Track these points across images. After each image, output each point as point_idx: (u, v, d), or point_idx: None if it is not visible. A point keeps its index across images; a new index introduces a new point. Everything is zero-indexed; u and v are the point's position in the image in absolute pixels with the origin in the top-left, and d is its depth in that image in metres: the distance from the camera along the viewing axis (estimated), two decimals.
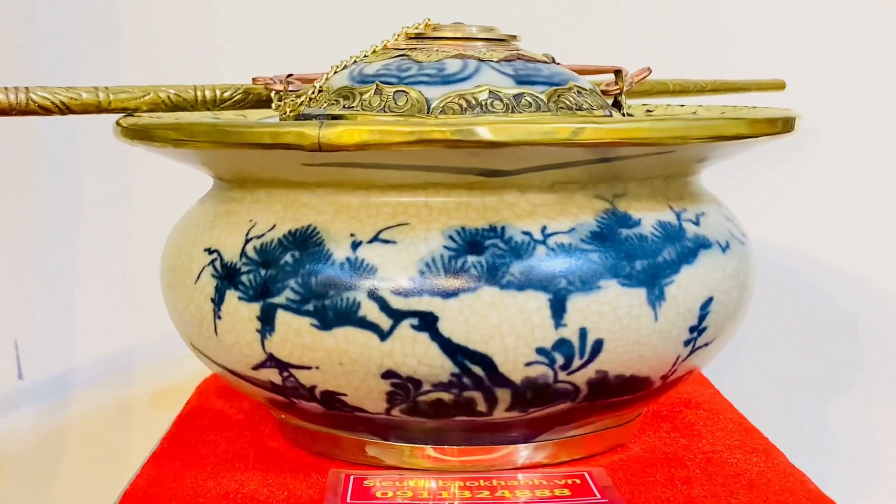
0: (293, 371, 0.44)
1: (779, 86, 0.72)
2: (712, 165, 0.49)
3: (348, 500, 0.43)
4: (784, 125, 0.45)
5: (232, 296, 0.44)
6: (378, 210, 0.43)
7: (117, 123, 0.47)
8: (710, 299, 0.45)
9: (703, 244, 0.46)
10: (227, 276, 0.45)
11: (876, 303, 0.80)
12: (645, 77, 0.53)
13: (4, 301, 0.79)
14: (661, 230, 0.45)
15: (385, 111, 0.47)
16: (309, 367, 0.44)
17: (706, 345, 0.46)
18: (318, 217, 0.44)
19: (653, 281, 0.43)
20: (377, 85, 0.47)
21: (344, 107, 0.48)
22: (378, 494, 0.44)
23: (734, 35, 0.79)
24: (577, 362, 0.43)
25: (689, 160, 0.46)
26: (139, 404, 0.83)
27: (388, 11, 0.76)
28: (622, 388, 0.45)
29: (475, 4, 0.74)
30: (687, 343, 0.45)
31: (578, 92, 0.49)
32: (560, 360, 0.43)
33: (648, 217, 0.45)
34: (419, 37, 0.51)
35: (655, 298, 0.43)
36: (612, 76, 0.54)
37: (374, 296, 0.42)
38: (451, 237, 0.42)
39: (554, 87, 0.48)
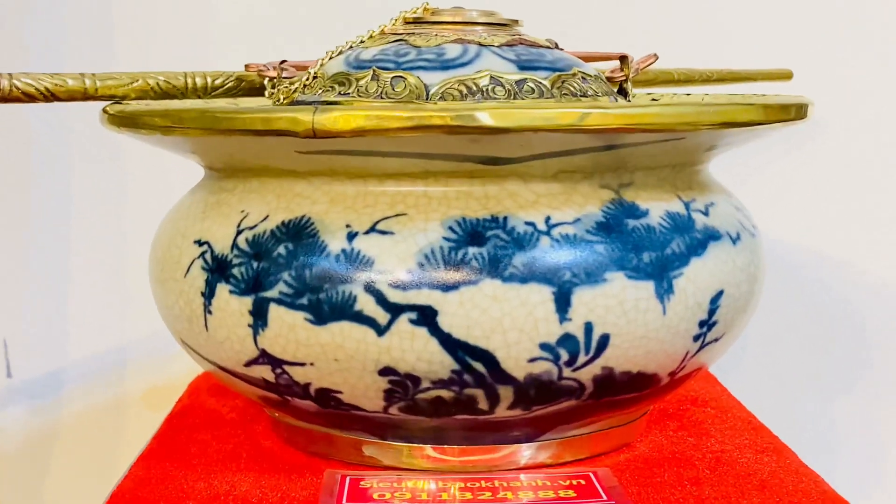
0: (286, 368, 0.42)
1: (786, 75, 0.71)
2: (720, 155, 0.47)
3: (344, 501, 0.41)
4: (797, 112, 0.44)
5: (223, 289, 0.43)
6: (375, 200, 0.42)
7: (104, 111, 0.46)
8: (721, 293, 0.44)
9: (712, 235, 0.44)
10: (217, 269, 0.43)
11: (884, 298, 0.78)
12: (651, 63, 0.52)
13: None
14: (670, 221, 0.43)
15: (382, 97, 0.45)
16: (303, 364, 0.42)
17: (716, 340, 0.45)
18: (312, 207, 0.42)
19: (661, 273, 0.42)
20: (374, 70, 0.46)
21: (339, 93, 0.46)
22: (375, 496, 0.42)
23: (740, 23, 0.77)
24: (582, 358, 0.41)
25: (698, 148, 0.44)
26: (132, 402, 0.81)
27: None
28: (629, 385, 0.43)
29: None
30: (696, 338, 0.44)
31: (583, 78, 0.47)
32: (564, 355, 0.41)
33: (656, 207, 0.43)
34: (417, 21, 0.49)
35: (664, 292, 0.42)
36: (616, 63, 0.52)
37: (370, 289, 0.40)
38: (450, 228, 0.41)
39: (557, 73, 0.46)
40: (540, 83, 0.45)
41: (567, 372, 0.41)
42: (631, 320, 0.41)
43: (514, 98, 0.45)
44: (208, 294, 0.43)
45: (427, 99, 0.44)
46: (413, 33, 0.48)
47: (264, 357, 0.43)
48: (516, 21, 0.50)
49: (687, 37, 0.77)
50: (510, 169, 0.41)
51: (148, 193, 0.77)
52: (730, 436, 0.50)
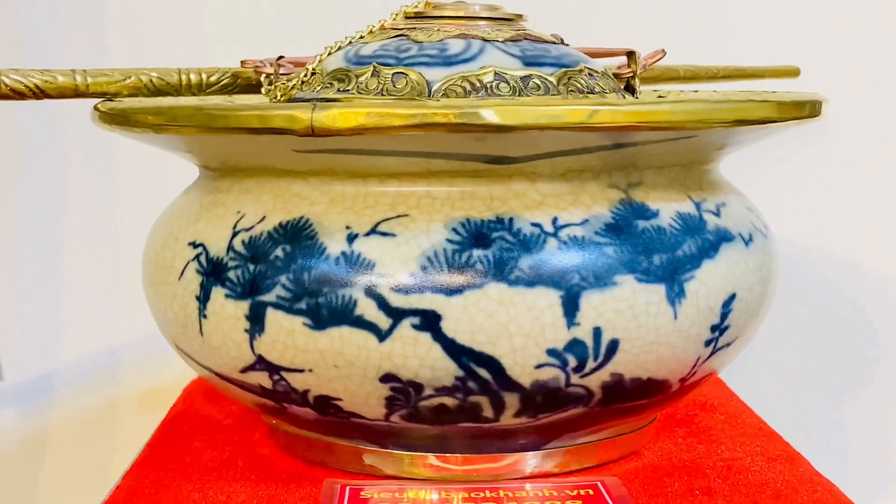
0: (284, 374, 0.41)
1: (793, 72, 0.69)
2: (730, 154, 0.46)
3: None
4: (811, 109, 0.42)
5: (218, 293, 0.41)
6: (376, 200, 0.40)
7: (95, 108, 0.44)
8: (733, 296, 0.42)
9: (724, 237, 0.42)
10: (213, 272, 0.41)
11: (892, 298, 0.77)
12: (659, 59, 0.50)
13: None
14: (681, 222, 0.41)
15: (383, 94, 0.43)
16: (301, 370, 0.40)
17: (728, 345, 0.43)
18: (310, 208, 0.41)
19: (672, 276, 0.40)
20: (374, 67, 0.44)
21: (339, 90, 0.44)
22: None
23: (747, 19, 0.76)
24: (590, 364, 0.40)
25: (709, 146, 0.43)
26: (126, 405, 0.80)
27: None
28: (638, 391, 0.42)
29: None
30: (708, 343, 0.42)
31: (590, 74, 0.46)
32: (573, 361, 0.39)
33: (667, 208, 0.42)
34: (419, 16, 0.48)
35: (675, 295, 0.40)
36: (623, 59, 0.51)
37: (371, 293, 0.39)
38: (454, 230, 0.39)
39: (563, 69, 0.45)
40: (546, 79, 0.44)
41: (575, 378, 0.40)
42: (641, 325, 0.40)
43: (519, 95, 0.43)
44: (203, 298, 0.42)
45: (429, 96, 0.43)
46: (414, 28, 0.46)
47: (261, 363, 0.41)
48: (520, 16, 0.48)
49: (693, 33, 0.75)
50: (516, 168, 0.40)
51: (142, 192, 0.76)
52: (740, 443, 0.48)
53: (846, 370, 0.77)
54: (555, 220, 0.40)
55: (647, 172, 0.42)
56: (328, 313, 0.39)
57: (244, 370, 0.42)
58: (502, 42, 0.45)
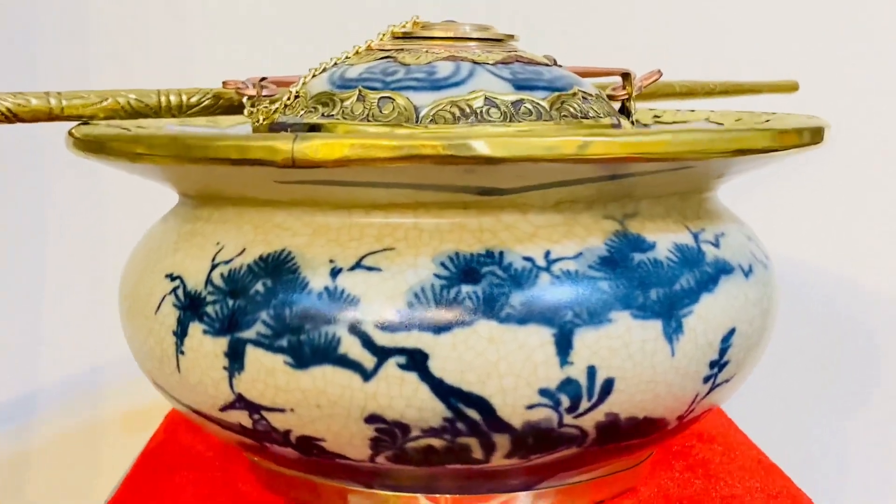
0: (265, 414, 0.39)
1: (791, 87, 0.68)
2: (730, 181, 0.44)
3: None
4: (813, 136, 0.41)
5: (196, 329, 0.39)
6: (361, 232, 0.38)
7: (70, 133, 0.42)
8: (733, 331, 0.40)
9: (723, 269, 0.41)
10: (190, 307, 0.40)
11: (892, 315, 0.75)
12: (655, 81, 0.49)
13: None
14: (678, 254, 0.40)
15: (369, 120, 0.42)
16: (283, 410, 0.39)
17: (727, 380, 0.42)
18: (292, 240, 0.39)
19: (669, 312, 0.39)
20: (360, 90, 0.43)
21: (323, 115, 0.43)
22: None
23: (744, 34, 0.74)
24: (584, 404, 0.38)
25: (708, 175, 0.41)
26: (108, 426, 0.78)
27: (373, 8, 0.71)
28: (634, 430, 0.40)
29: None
30: (707, 379, 0.41)
31: (583, 98, 0.44)
32: (566, 401, 0.38)
33: (663, 239, 0.40)
34: (407, 36, 0.46)
35: (672, 331, 0.39)
36: (618, 79, 0.49)
37: (355, 331, 0.37)
38: (442, 264, 0.37)
39: (556, 93, 0.43)
40: (538, 104, 0.42)
41: (568, 419, 0.38)
42: (637, 363, 0.38)
43: (511, 121, 0.41)
44: (180, 333, 0.40)
45: (417, 122, 0.41)
46: (402, 49, 0.45)
47: (241, 402, 0.39)
48: (512, 36, 0.47)
49: (689, 47, 0.74)
50: (507, 199, 0.38)
51: (125, 210, 0.74)
52: (739, 477, 0.47)
53: (847, 391, 0.76)
54: (547, 254, 0.38)
55: (643, 202, 0.40)
56: (310, 351, 0.37)
57: (223, 408, 0.40)
58: (493, 65, 0.43)
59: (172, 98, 0.47)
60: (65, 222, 0.75)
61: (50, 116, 0.44)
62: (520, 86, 0.43)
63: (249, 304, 0.38)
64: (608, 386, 0.38)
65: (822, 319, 0.76)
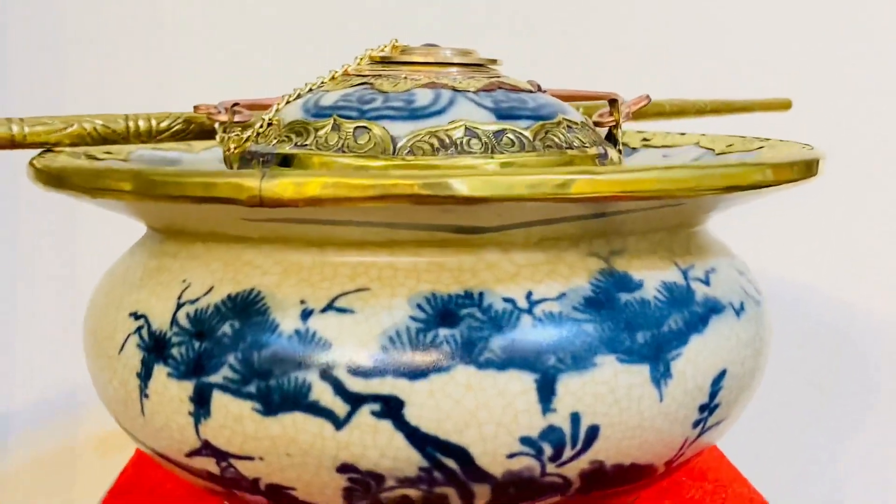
0: (233, 461, 0.37)
1: (784, 105, 0.66)
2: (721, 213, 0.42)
3: None
4: (808, 169, 0.39)
5: (161, 371, 0.38)
6: (334, 272, 0.37)
7: (30, 164, 0.40)
8: (723, 373, 0.39)
9: (714, 308, 0.39)
10: (155, 348, 0.38)
11: (888, 338, 0.74)
12: (643, 106, 0.47)
13: None
14: (667, 293, 0.38)
15: (344, 151, 0.40)
16: (251, 458, 0.37)
17: (718, 423, 0.40)
18: (262, 279, 0.37)
19: (657, 355, 0.37)
20: (335, 119, 0.41)
21: (296, 144, 0.41)
22: None
23: (735, 50, 0.73)
24: (568, 452, 0.36)
25: (698, 210, 0.40)
26: (85, 448, 0.76)
27: (352, 29, 0.69)
28: (620, 478, 0.38)
29: (447, 21, 0.67)
30: (696, 424, 0.39)
31: (568, 127, 0.42)
32: (548, 450, 0.36)
33: (651, 278, 0.38)
34: (385, 61, 0.44)
35: (660, 376, 0.37)
36: (605, 103, 0.47)
37: (327, 376, 0.35)
38: (419, 306, 0.36)
39: (540, 122, 0.41)
40: (521, 134, 0.41)
41: (551, 468, 0.36)
42: (623, 409, 0.36)
43: (492, 152, 0.40)
44: (144, 376, 0.38)
45: (394, 153, 0.39)
46: (380, 75, 0.43)
47: (207, 448, 0.38)
48: (495, 61, 0.45)
49: (679, 64, 0.72)
50: (487, 237, 0.36)
51: (101, 228, 0.72)
52: None
53: (840, 416, 0.74)
54: (529, 295, 0.36)
55: (630, 238, 0.39)
56: (280, 398, 0.36)
57: (189, 454, 0.38)
58: (474, 92, 0.42)
59: (141, 123, 0.45)
60: (39, 242, 0.73)
61: (13, 144, 0.42)
62: (502, 115, 0.41)
63: (216, 347, 0.36)
64: (593, 433, 0.36)
65: (816, 341, 0.74)
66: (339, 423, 0.35)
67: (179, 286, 0.38)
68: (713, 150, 0.49)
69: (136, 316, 0.39)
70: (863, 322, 0.74)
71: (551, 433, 0.36)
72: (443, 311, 0.36)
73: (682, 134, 0.53)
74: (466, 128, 0.40)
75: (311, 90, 0.43)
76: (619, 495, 0.40)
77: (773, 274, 0.72)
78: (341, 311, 0.36)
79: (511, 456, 0.36)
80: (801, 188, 0.70)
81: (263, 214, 0.34)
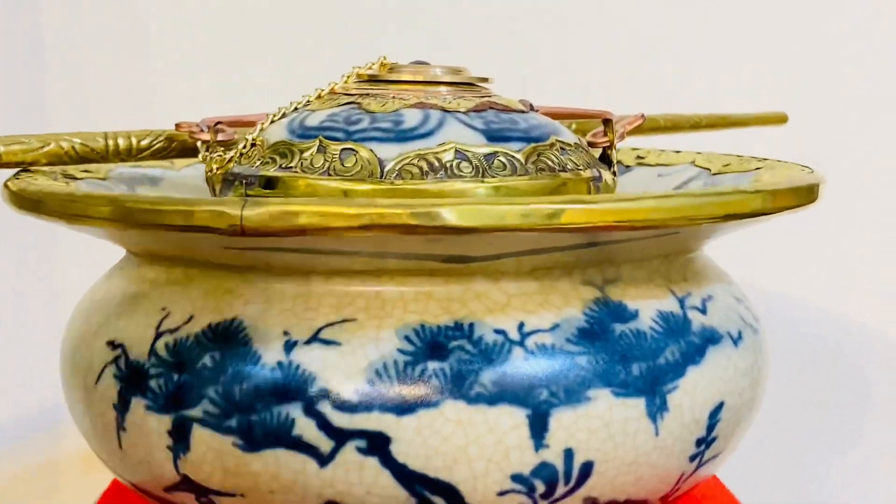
0: (213, 497, 0.36)
1: (780, 119, 0.65)
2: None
3: None
4: (808, 195, 0.38)
5: (138, 404, 0.36)
6: (318, 301, 0.35)
7: (4, 185, 0.39)
8: (721, 405, 0.38)
9: (711, 338, 0.38)
10: (132, 379, 0.37)
11: (886, 357, 0.73)
12: (638, 125, 0.46)
13: None
14: (663, 323, 0.37)
15: (330, 174, 0.38)
16: (233, 494, 0.36)
17: (715, 457, 0.39)
18: (244, 308, 0.36)
19: (653, 388, 0.36)
20: (320, 141, 0.39)
21: (280, 167, 0.40)
22: None
23: (730, 65, 0.72)
24: (561, 489, 0.35)
25: (694, 237, 0.38)
26: (68, 465, 0.75)
27: (338, 46, 0.68)
28: None
29: (437, 38, 0.66)
30: (693, 458, 0.38)
31: (561, 149, 0.41)
32: (541, 487, 0.35)
33: (647, 307, 0.37)
34: (373, 79, 0.43)
35: (656, 409, 0.36)
36: (597, 119, 0.46)
37: (311, 411, 0.34)
38: (407, 337, 0.34)
39: (532, 144, 0.40)
40: (512, 157, 0.39)
41: None
42: (618, 444, 0.35)
43: (483, 176, 0.38)
44: (121, 408, 0.37)
45: (382, 176, 0.38)
46: (367, 94, 0.42)
47: (187, 483, 0.36)
48: (486, 79, 0.44)
49: (673, 79, 0.71)
50: (477, 266, 0.35)
51: (82, 243, 0.70)
52: None
53: (836, 437, 0.73)
54: (521, 326, 0.35)
55: (624, 266, 0.37)
56: (262, 433, 0.34)
57: (168, 489, 0.37)
58: (464, 113, 0.40)
59: (121, 141, 0.44)
60: (19, 255, 0.71)
61: None
62: (493, 137, 0.40)
63: (196, 380, 0.35)
64: (587, 469, 0.35)
65: (811, 360, 0.73)
66: (323, 460, 0.34)
67: (158, 314, 0.37)
68: (709, 169, 0.48)
69: (113, 345, 0.38)
70: (858, 337, 0.73)
71: (544, 470, 0.35)
72: (432, 344, 0.34)
73: (678, 152, 0.52)
74: (456, 150, 0.39)
75: (296, 109, 0.42)
76: None
77: (765, 289, 0.71)
78: (326, 342, 0.34)
79: (502, 493, 0.35)
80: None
81: (245, 243, 0.33)
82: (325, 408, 0.34)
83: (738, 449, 0.42)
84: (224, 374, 0.35)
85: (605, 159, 0.45)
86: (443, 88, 0.42)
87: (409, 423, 0.34)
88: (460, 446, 0.34)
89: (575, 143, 0.42)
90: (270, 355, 0.34)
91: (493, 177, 0.39)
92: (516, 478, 0.34)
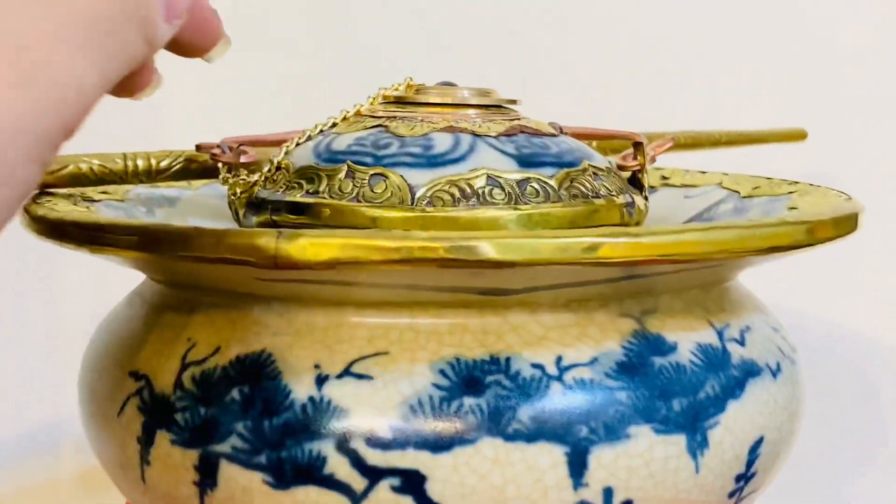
0: None
1: (800, 135, 0.64)
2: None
3: None
4: (849, 226, 0.37)
5: (163, 438, 0.35)
6: (351, 333, 0.34)
7: (24, 210, 0.38)
8: (761, 440, 0.37)
9: (751, 371, 0.37)
10: (157, 413, 0.35)
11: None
12: (668, 149, 0.45)
13: None
14: (702, 356, 0.36)
15: (359, 200, 0.37)
16: None
17: (753, 492, 0.38)
18: (273, 340, 0.35)
19: (693, 424, 0.35)
20: (349, 166, 0.38)
21: (307, 192, 0.38)
22: None
23: (748, 81, 0.71)
24: None
25: (734, 267, 0.37)
26: (67, 483, 0.73)
27: (363, 66, 0.66)
28: None
29: (437, 38, 0.64)
30: (732, 494, 0.37)
31: (594, 174, 0.40)
32: None
33: (686, 340, 0.36)
34: (400, 101, 0.42)
35: (697, 446, 0.35)
36: (626, 140, 0.45)
37: (343, 448, 0.33)
38: (442, 371, 0.33)
39: (565, 170, 0.39)
40: (545, 183, 0.38)
41: None
42: (658, 482, 0.34)
43: (516, 203, 0.37)
44: (146, 441, 0.36)
45: (413, 203, 0.37)
46: (395, 117, 0.41)
47: None
48: (515, 101, 0.43)
49: (693, 96, 0.70)
50: (514, 299, 0.34)
51: (87, 258, 0.69)
52: None
53: (850, 451, 0.72)
54: (559, 360, 0.34)
55: (662, 297, 0.36)
56: (292, 470, 0.33)
57: None
58: (495, 137, 0.39)
59: (140, 162, 0.43)
60: (19, 270, 0.70)
61: None
62: (525, 162, 0.39)
63: (224, 414, 0.34)
64: None
65: (827, 375, 0.72)
66: (356, 499, 0.33)
67: (184, 345, 0.36)
68: (738, 192, 0.47)
69: (136, 376, 0.37)
70: (871, 352, 0.72)
71: None
72: (467, 378, 0.33)
73: (703, 172, 0.51)
74: (489, 176, 0.38)
75: (321, 132, 0.41)
76: None
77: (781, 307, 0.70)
78: (359, 377, 0.33)
79: None
80: None
81: (276, 274, 0.32)
82: (358, 444, 0.33)
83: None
84: (253, 408, 0.34)
85: (635, 182, 0.44)
86: (471, 111, 0.41)
87: (446, 460, 0.33)
88: (497, 486, 0.33)
89: (606, 168, 0.41)
90: (301, 390, 0.33)
91: (527, 203, 0.38)
92: None
